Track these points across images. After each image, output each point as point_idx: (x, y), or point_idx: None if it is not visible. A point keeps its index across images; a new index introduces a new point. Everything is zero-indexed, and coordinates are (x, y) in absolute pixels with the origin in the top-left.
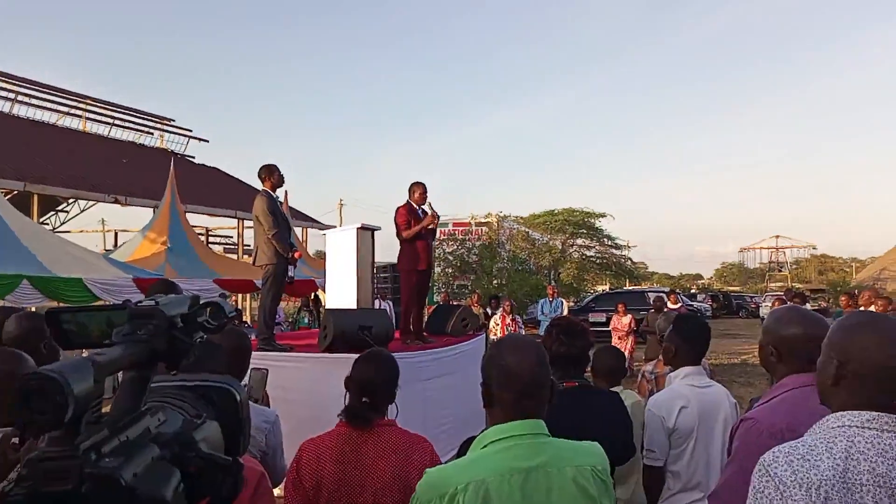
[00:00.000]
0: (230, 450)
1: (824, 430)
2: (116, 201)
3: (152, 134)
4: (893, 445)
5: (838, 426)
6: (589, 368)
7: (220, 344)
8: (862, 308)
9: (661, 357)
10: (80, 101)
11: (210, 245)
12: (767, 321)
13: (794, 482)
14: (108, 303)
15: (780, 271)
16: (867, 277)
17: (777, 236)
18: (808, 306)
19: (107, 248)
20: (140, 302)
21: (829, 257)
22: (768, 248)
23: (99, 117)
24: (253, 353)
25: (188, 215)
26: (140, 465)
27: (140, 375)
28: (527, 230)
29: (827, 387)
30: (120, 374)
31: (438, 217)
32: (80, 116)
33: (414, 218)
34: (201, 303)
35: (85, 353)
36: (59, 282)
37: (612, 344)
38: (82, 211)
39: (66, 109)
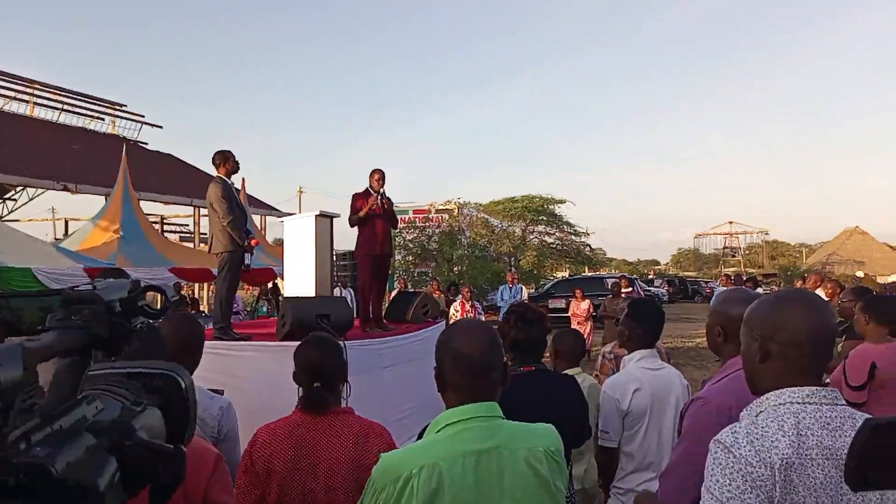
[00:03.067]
0: (175, 437)
1: (769, 407)
2: (66, 189)
3: (103, 120)
4: (835, 417)
5: (781, 403)
6: (552, 350)
7: (164, 329)
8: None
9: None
10: (27, 86)
11: (165, 233)
12: (714, 302)
13: (759, 462)
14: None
15: (733, 257)
16: (816, 262)
17: (731, 222)
18: (760, 290)
19: (57, 237)
20: (76, 287)
21: (780, 243)
22: (723, 234)
23: (47, 102)
24: (209, 341)
25: (142, 203)
26: (73, 455)
27: (76, 363)
28: (487, 217)
29: (755, 366)
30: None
31: (389, 201)
32: (27, 101)
33: (366, 203)
34: (142, 287)
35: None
36: (8, 272)
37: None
38: (31, 199)
39: (12, 94)
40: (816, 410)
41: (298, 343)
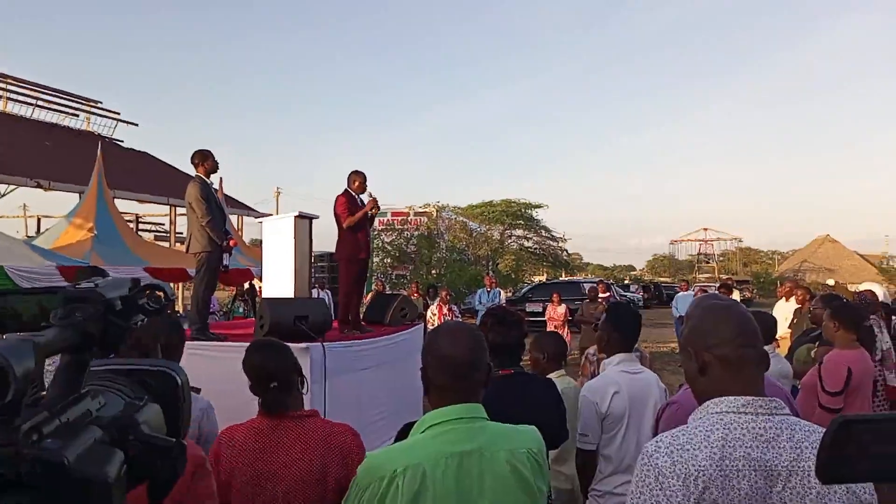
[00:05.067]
0: (171, 433)
1: (704, 416)
2: (39, 186)
3: (78, 116)
4: (768, 428)
5: (716, 412)
6: (536, 353)
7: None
8: (780, 298)
9: None
10: None
11: (140, 232)
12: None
13: (673, 473)
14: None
15: (707, 263)
16: (789, 269)
17: (706, 229)
18: (735, 295)
19: (29, 235)
20: (78, 284)
21: (753, 250)
22: (697, 241)
23: (20, 97)
24: (186, 342)
25: (116, 201)
26: (82, 447)
27: (78, 359)
28: (465, 220)
29: (696, 380)
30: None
31: (379, 206)
32: None
33: (354, 206)
34: (143, 285)
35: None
36: None
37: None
38: (2, 195)
39: None
40: (751, 421)
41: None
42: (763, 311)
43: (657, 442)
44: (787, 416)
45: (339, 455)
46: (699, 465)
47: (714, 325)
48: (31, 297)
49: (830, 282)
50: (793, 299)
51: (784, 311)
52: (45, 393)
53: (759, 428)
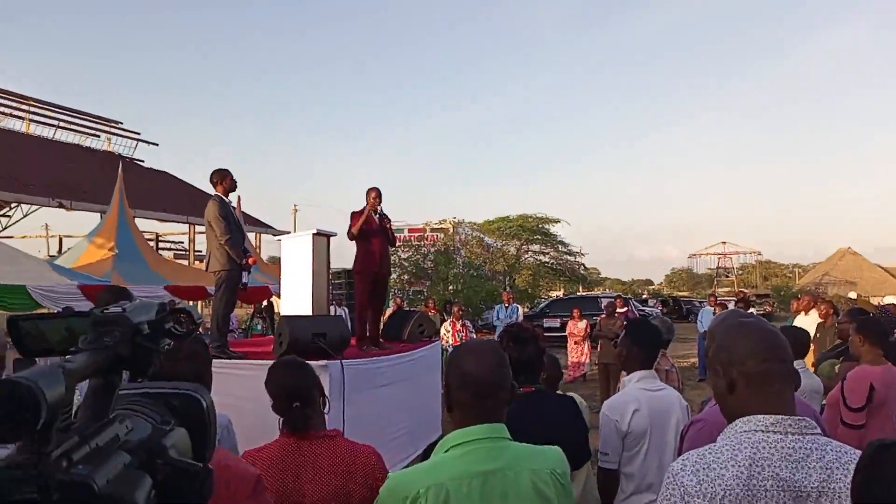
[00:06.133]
0: (197, 457)
1: (733, 434)
2: (61, 206)
3: (99, 137)
4: (797, 448)
5: (744, 431)
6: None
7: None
8: (798, 312)
9: None
10: (23, 102)
11: (160, 251)
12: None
13: (699, 492)
14: (50, 310)
15: (726, 277)
16: (809, 282)
17: (724, 242)
18: (752, 311)
19: (51, 254)
20: (106, 309)
21: (773, 263)
22: (716, 254)
23: (43, 119)
24: None
25: (137, 220)
26: (112, 472)
27: (106, 383)
28: (481, 236)
29: (725, 398)
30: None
31: (388, 220)
32: (23, 118)
33: (364, 220)
34: (169, 308)
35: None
36: (1, 289)
37: (569, 348)
38: (25, 215)
39: (8, 111)
40: (780, 440)
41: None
42: (795, 327)
43: (683, 460)
44: (818, 436)
45: (362, 476)
46: (726, 485)
47: (739, 341)
48: (59, 322)
49: (852, 295)
50: (813, 313)
51: (804, 326)
52: (73, 418)
53: (788, 448)
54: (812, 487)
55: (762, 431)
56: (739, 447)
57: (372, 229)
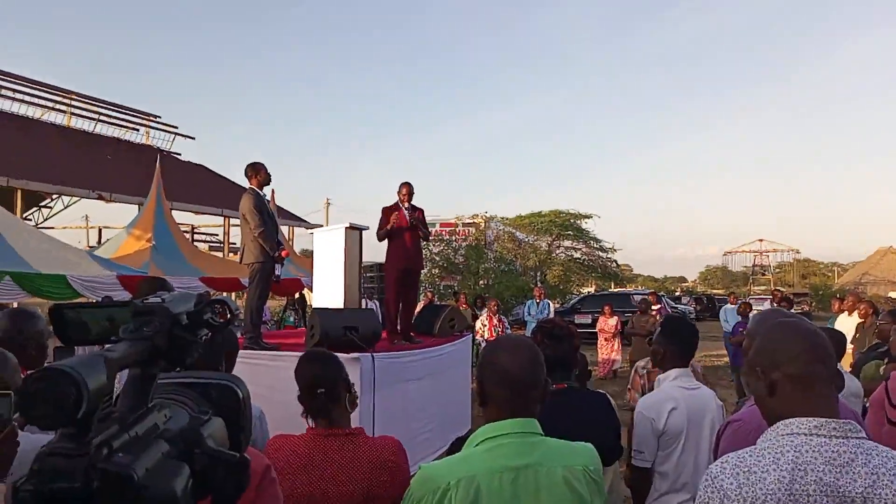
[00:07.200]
0: (233, 447)
1: (774, 437)
2: (101, 198)
3: (138, 130)
4: (842, 452)
5: (787, 434)
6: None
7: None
8: (842, 312)
9: None
10: (64, 97)
11: (195, 243)
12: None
13: (739, 496)
14: (89, 300)
15: (763, 275)
16: (849, 281)
17: (761, 240)
18: (793, 310)
19: (91, 245)
20: (146, 299)
21: (811, 261)
22: (752, 252)
23: (84, 113)
24: (239, 351)
25: (173, 212)
26: (151, 461)
27: (146, 372)
28: (513, 231)
29: (765, 401)
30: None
31: (421, 212)
32: (64, 112)
33: (390, 214)
34: (208, 300)
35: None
36: (42, 279)
37: (599, 345)
38: (66, 207)
39: (50, 104)
40: (824, 444)
41: (336, 353)
42: (831, 328)
43: (722, 463)
44: (863, 440)
45: (384, 472)
46: (767, 489)
47: (781, 342)
48: (100, 311)
49: (893, 294)
50: (856, 313)
51: (846, 326)
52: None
53: (833, 452)
54: (857, 493)
55: (805, 434)
56: (782, 450)
57: (403, 227)
